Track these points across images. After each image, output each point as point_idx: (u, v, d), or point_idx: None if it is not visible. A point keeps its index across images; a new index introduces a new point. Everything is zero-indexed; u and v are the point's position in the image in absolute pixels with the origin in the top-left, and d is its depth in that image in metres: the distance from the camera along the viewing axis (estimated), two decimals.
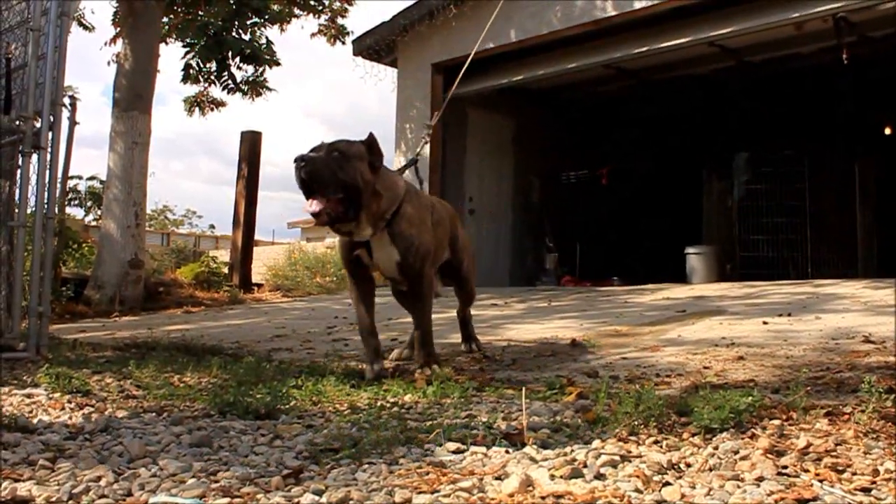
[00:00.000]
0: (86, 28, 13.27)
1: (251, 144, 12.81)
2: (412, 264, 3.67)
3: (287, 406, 2.85)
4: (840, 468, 1.89)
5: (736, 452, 2.02)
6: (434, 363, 3.71)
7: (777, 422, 2.33)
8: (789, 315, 5.72)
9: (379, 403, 2.92)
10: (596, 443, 2.15)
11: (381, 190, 3.49)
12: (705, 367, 3.64)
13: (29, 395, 3.14)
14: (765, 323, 5.34)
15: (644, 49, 10.66)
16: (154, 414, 2.81)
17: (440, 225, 4.03)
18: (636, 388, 2.74)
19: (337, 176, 3.32)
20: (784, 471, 1.89)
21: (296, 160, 3.29)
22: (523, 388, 2.85)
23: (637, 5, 10.42)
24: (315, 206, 3.30)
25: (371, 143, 3.51)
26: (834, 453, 2.02)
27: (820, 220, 11.95)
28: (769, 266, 11.69)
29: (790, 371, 3.40)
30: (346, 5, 13.56)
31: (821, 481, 1.80)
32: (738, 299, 7.48)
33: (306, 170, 3.29)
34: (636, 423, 2.32)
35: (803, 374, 3.17)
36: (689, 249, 12.06)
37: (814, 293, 7.56)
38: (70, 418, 2.73)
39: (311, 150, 3.40)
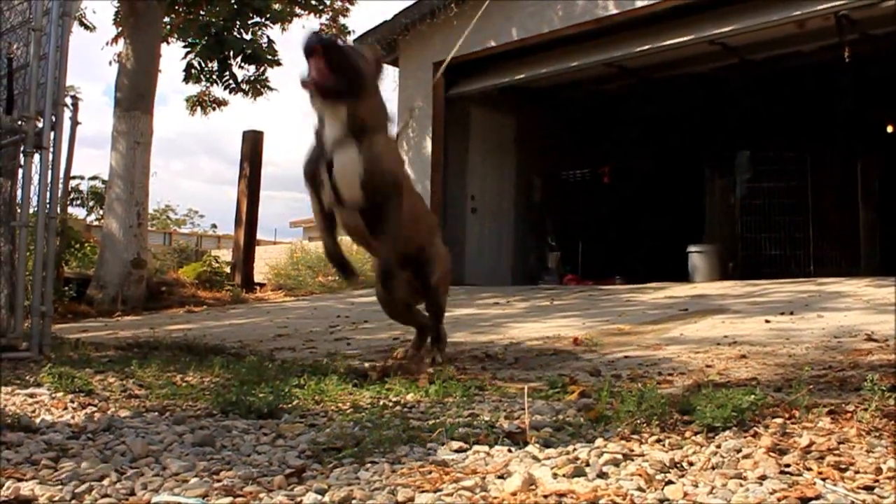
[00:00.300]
0: (87, 28, 13.29)
1: (253, 144, 12.82)
2: (379, 185, 3.39)
3: (289, 405, 2.85)
4: (843, 466, 1.89)
5: (738, 451, 2.02)
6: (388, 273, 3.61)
7: (780, 420, 2.33)
8: (791, 313, 5.72)
9: (381, 402, 2.92)
10: (598, 441, 2.15)
11: (367, 105, 3.38)
12: (707, 366, 3.64)
13: (32, 395, 3.14)
14: (767, 321, 5.34)
15: (646, 47, 10.67)
16: (157, 413, 2.81)
17: (424, 217, 3.92)
18: (638, 387, 2.74)
19: (343, 52, 3.29)
20: (787, 469, 1.89)
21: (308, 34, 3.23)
22: (526, 387, 2.85)
23: (638, 4, 10.42)
24: (314, 66, 3.21)
25: (378, 59, 3.49)
26: (837, 452, 2.02)
27: (822, 218, 11.95)
28: (771, 264, 11.70)
29: (793, 369, 3.39)
30: (347, 5, 13.58)
31: (823, 480, 1.80)
32: (740, 298, 7.48)
33: (318, 36, 3.27)
34: (639, 421, 2.32)
35: (806, 373, 3.16)
36: (692, 248, 12.04)
37: (816, 291, 7.55)
38: (73, 418, 2.73)
39: None
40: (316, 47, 3.19)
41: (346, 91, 3.29)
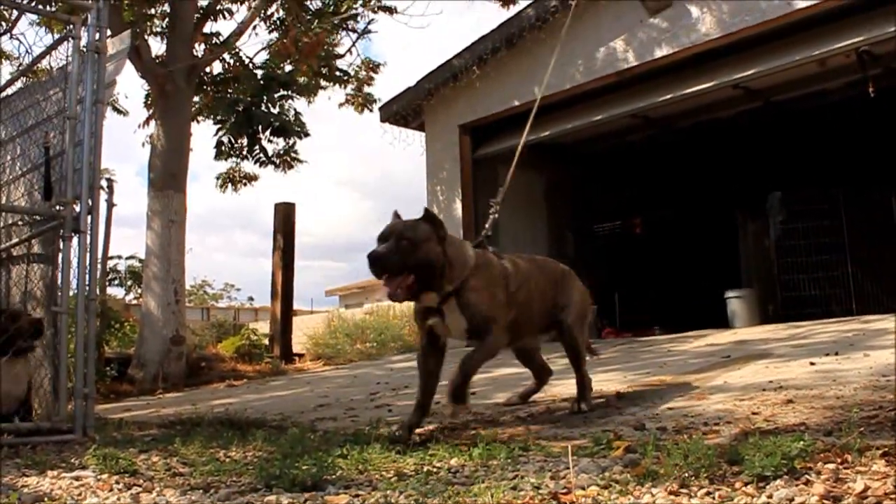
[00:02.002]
0: (119, 112, 13.62)
1: (285, 216, 12.99)
2: (478, 328, 3.77)
3: (333, 476, 2.83)
4: None
5: (791, 500, 1.97)
6: (459, 403, 3.72)
7: (832, 466, 2.28)
8: (836, 354, 5.62)
9: (425, 469, 2.90)
10: (646, 498, 2.12)
11: (450, 260, 3.65)
12: (754, 413, 3.58)
13: (77, 478, 3.15)
14: (812, 364, 5.25)
15: (668, 97, 10.71)
16: (201, 491, 2.81)
17: (525, 285, 4.11)
18: (685, 439, 2.70)
19: (408, 264, 3.49)
20: None
21: (369, 257, 3.46)
22: (570, 446, 2.82)
23: (658, 54, 10.51)
24: (389, 288, 3.50)
25: (431, 219, 3.69)
26: (893, 496, 1.97)
27: (861, 256, 11.78)
28: (812, 305, 11.52)
29: (841, 412, 3.33)
30: (371, 74, 13.80)
31: None
32: (782, 341, 7.37)
33: (380, 266, 3.47)
34: (687, 475, 2.28)
35: (855, 415, 3.10)
36: (729, 293, 11.91)
37: (860, 330, 7.42)
38: (118, 499, 2.73)
39: (380, 239, 3.56)
40: (379, 273, 3.48)
41: (425, 282, 3.60)
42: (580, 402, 4.37)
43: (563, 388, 5.48)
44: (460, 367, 3.75)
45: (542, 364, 4.85)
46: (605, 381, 5.58)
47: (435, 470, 2.85)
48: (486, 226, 4.70)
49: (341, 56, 13.43)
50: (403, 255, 3.49)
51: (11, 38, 11.11)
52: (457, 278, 3.68)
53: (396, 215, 3.76)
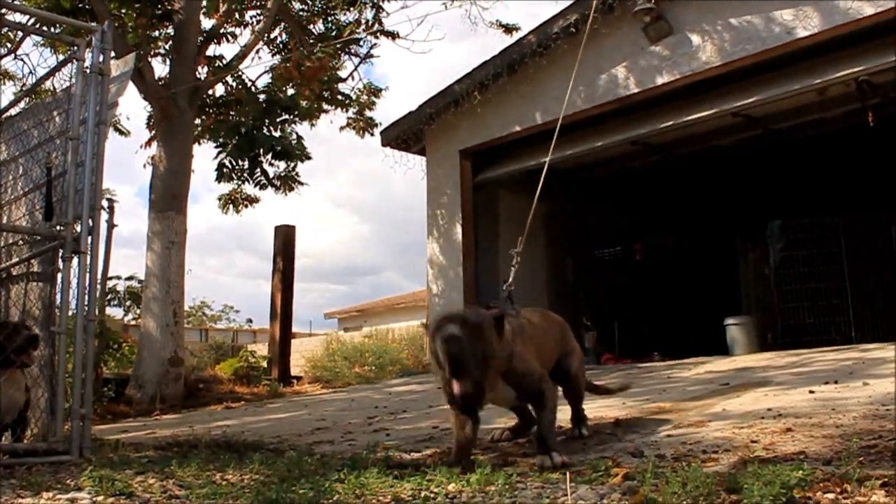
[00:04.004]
0: (122, 133, 13.67)
1: (285, 238, 13.01)
2: (528, 390, 3.81)
3: (330, 501, 2.82)
4: None
5: None
6: (554, 451, 3.52)
7: (831, 495, 2.27)
8: (836, 382, 5.61)
9: (423, 494, 2.88)
10: None
11: (501, 351, 3.63)
12: (753, 441, 3.56)
13: (73, 500, 3.14)
14: (811, 392, 5.23)
15: (668, 123, 10.73)
16: None
17: (545, 337, 4.22)
18: (683, 467, 2.69)
19: (477, 353, 3.43)
20: None
21: (442, 337, 3.40)
22: (568, 472, 2.80)
23: (659, 81, 10.55)
24: (461, 388, 3.42)
25: (499, 317, 3.67)
26: None
27: (860, 284, 11.77)
28: (811, 333, 11.49)
29: (841, 441, 3.31)
30: (373, 98, 13.87)
31: None
32: (782, 369, 7.35)
33: (456, 348, 3.39)
34: (685, 503, 2.26)
35: (855, 444, 3.09)
36: (729, 320, 11.89)
37: (860, 358, 7.41)
38: None
39: (449, 321, 3.51)
40: (457, 357, 3.39)
41: (483, 390, 3.58)
42: (580, 427, 4.40)
43: (560, 414, 5.46)
44: (541, 446, 3.59)
45: (528, 409, 4.65)
46: (603, 408, 5.57)
47: (432, 495, 2.84)
48: (510, 279, 4.45)
49: (343, 80, 13.50)
50: (475, 343, 3.43)
51: (16, 58, 11.22)
52: (503, 361, 3.66)
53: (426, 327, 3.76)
